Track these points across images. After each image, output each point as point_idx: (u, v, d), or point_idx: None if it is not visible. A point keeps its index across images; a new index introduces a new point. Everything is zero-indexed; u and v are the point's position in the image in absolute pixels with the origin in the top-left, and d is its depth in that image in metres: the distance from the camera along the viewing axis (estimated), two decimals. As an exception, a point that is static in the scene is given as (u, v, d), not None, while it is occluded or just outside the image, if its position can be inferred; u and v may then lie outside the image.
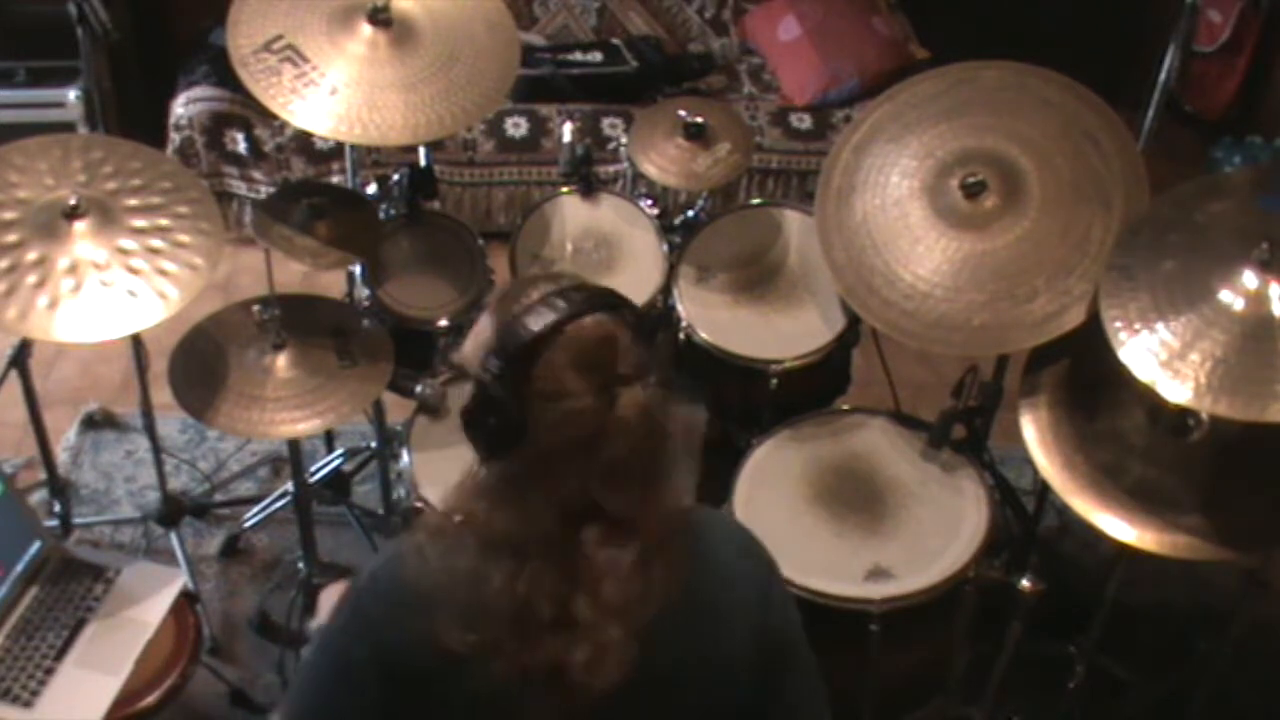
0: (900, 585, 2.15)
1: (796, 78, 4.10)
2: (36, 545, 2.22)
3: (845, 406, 2.53)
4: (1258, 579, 2.25)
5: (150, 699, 2.08)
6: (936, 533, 2.23)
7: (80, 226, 2.12)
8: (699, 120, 2.71)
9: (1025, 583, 2.02)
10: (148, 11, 4.13)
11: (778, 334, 2.57)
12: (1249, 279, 1.92)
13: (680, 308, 2.60)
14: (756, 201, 3.48)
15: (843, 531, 2.26)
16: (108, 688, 2.05)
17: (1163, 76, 2.66)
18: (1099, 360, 2.03)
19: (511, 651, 1.25)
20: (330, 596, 1.63)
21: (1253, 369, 1.86)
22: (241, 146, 3.85)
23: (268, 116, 3.56)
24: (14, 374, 2.52)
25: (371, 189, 2.72)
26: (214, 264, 2.16)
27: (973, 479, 2.31)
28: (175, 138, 3.84)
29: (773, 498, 2.31)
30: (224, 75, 3.73)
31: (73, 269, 2.08)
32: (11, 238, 2.09)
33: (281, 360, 2.28)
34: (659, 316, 2.71)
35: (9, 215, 2.11)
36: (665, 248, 2.70)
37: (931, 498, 2.30)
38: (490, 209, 3.99)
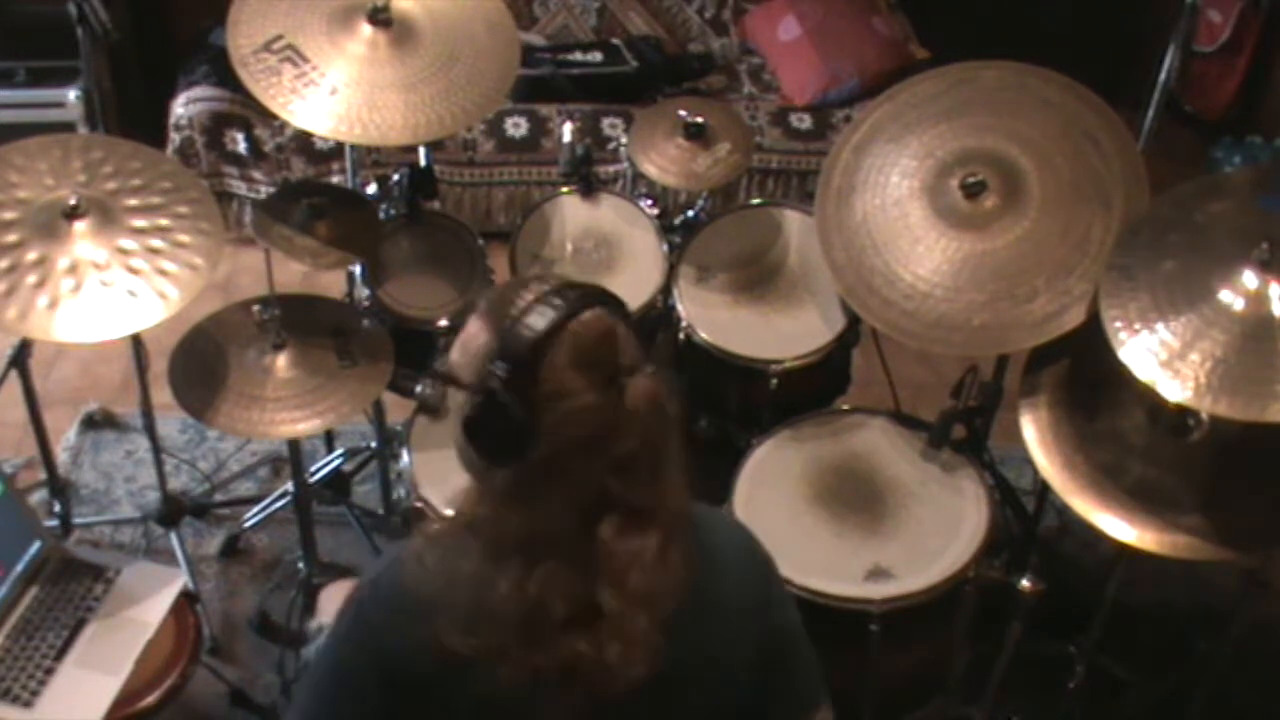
0: (900, 585, 2.15)
1: (796, 78, 4.10)
2: (36, 545, 2.22)
3: (845, 406, 2.53)
4: (1258, 579, 2.25)
5: (150, 699, 2.08)
6: (936, 533, 2.23)
7: (80, 226, 2.12)
8: (699, 120, 2.71)
9: (1025, 583, 2.02)
10: (148, 11, 4.13)
11: (778, 334, 2.57)
12: (1249, 279, 1.93)
13: (680, 308, 2.60)
14: (756, 201, 3.48)
15: (843, 531, 2.26)
16: (108, 688, 2.05)
17: (1163, 76, 2.66)
18: (1099, 360, 2.03)
19: (519, 654, 1.25)
20: (330, 596, 1.63)
21: (1253, 369, 1.86)
22: (241, 146, 3.85)
23: (268, 116, 3.56)
24: (14, 374, 2.52)
25: (371, 189, 2.72)
26: (214, 264, 2.16)
27: (973, 479, 2.31)
28: (175, 138, 3.84)
29: (773, 498, 2.31)
30: (224, 75, 3.72)
31: (73, 269, 2.08)
32: (11, 238, 2.09)
33: (281, 360, 2.28)
34: (659, 316, 2.71)
35: (9, 215, 2.11)
36: (665, 248, 2.70)
37: (931, 498, 2.30)
38: (490, 209, 3.99)
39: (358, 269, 2.59)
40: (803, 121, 4.02)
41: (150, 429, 2.74)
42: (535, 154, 3.94)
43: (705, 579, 1.34)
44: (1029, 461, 2.24)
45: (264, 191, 3.87)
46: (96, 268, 2.09)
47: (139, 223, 2.16)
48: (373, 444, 2.96)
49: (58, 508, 2.80)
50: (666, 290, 2.65)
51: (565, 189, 2.81)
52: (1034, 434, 2.21)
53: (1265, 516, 2.08)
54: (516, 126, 3.93)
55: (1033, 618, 2.06)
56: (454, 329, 2.51)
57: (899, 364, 2.76)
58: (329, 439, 3.09)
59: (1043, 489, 2.69)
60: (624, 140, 2.93)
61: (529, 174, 3.96)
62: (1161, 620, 2.79)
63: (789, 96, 4.10)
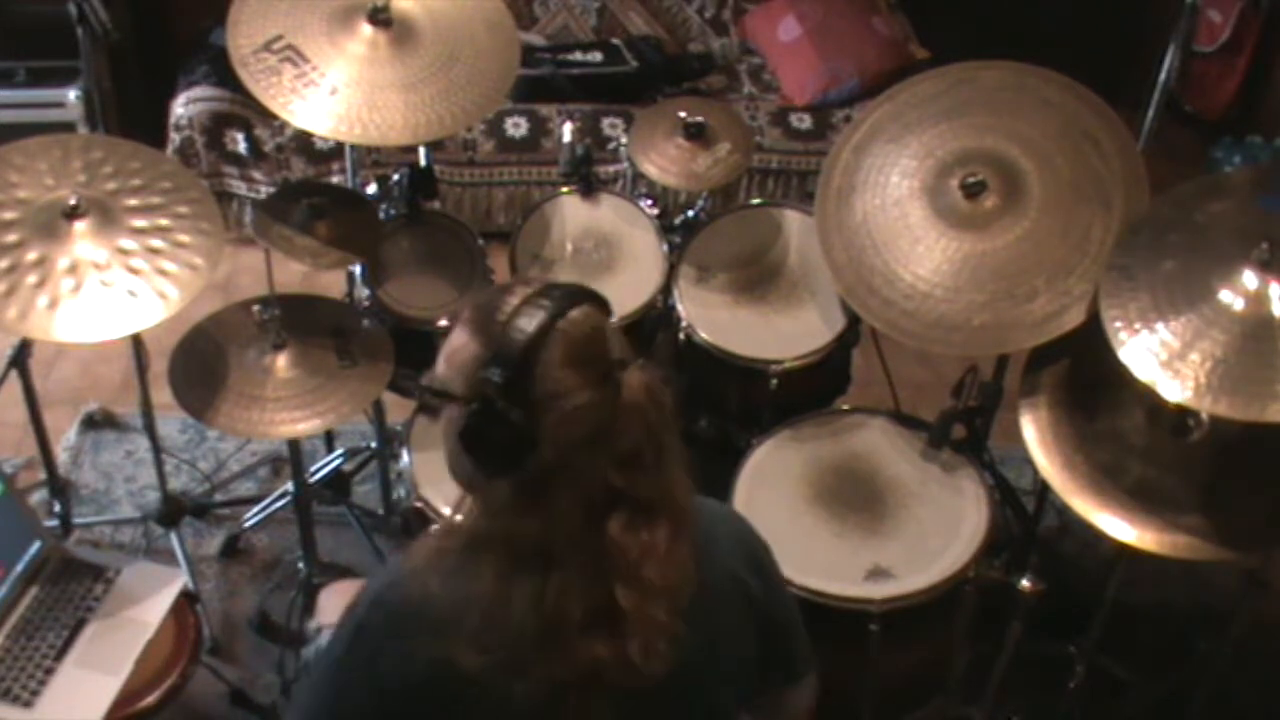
0: (900, 585, 2.15)
1: (796, 78, 4.10)
2: (36, 545, 2.21)
3: (845, 406, 2.53)
4: (1258, 579, 2.25)
5: (150, 699, 2.08)
6: (936, 533, 2.23)
7: (80, 226, 2.12)
8: (699, 120, 2.71)
9: (1025, 583, 2.02)
10: (148, 11, 4.13)
11: (778, 334, 2.57)
12: (1249, 279, 1.93)
13: (680, 308, 2.60)
14: (756, 201, 3.48)
15: (843, 531, 2.26)
16: (108, 688, 2.05)
17: (1163, 76, 2.66)
18: (1099, 360, 2.03)
19: (539, 666, 1.24)
20: (330, 597, 1.63)
21: (1253, 369, 1.86)
22: (241, 146, 3.85)
23: (268, 116, 3.56)
24: (14, 374, 2.52)
25: (371, 189, 2.72)
26: (214, 264, 2.16)
27: (973, 479, 2.31)
28: (175, 138, 3.84)
29: (773, 498, 2.31)
30: (224, 75, 3.72)
31: (73, 269, 2.08)
32: (11, 238, 2.09)
33: (281, 360, 2.28)
34: (659, 316, 2.71)
35: (9, 215, 2.11)
36: (665, 248, 2.70)
37: (931, 498, 2.30)
38: (490, 209, 3.99)
39: (358, 269, 2.59)
40: (803, 121, 4.02)
41: (150, 429, 2.74)
42: (535, 154, 3.94)
43: (704, 563, 1.33)
44: (1029, 461, 2.24)
45: (264, 191, 3.87)
46: (96, 268, 2.09)
47: (139, 223, 2.16)
48: (373, 444, 2.96)
49: (58, 508, 2.80)
50: (666, 290, 2.65)
51: (565, 189, 2.81)
52: (1034, 434, 2.21)
53: (1265, 516, 2.08)
54: (516, 126, 3.93)
55: (1033, 618, 2.06)
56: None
57: (899, 364, 2.76)
58: (329, 439, 3.09)
59: (1043, 489, 2.69)
60: (624, 140, 2.93)
61: (529, 174, 3.96)
62: (1161, 620, 2.79)
63: (789, 96, 4.10)
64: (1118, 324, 1.99)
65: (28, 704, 2.01)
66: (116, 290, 2.08)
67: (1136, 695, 2.59)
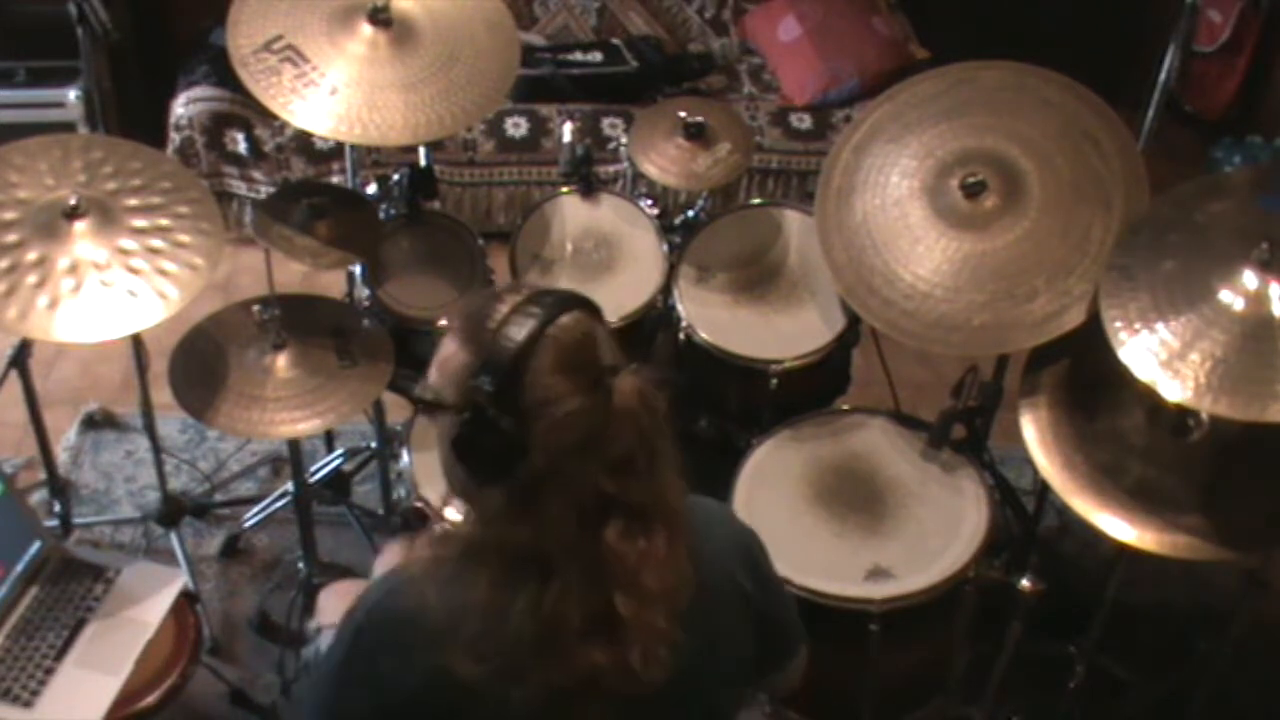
0: (900, 585, 2.15)
1: (796, 78, 4.10)
2: (36, 545, 2.21)
3: (845, 406, 2.53)
4: (1258, 579, 2.25)
5: (150, 699, 2.08)
6: (936, 533, 2.23)
7: (80, 226, 2.12)
8: (699, 120, 2.71)
9: (1025, 583, 2.02)
10: (148, 11, 4.13)
11: (778, 334, 2.57)
12: (1249, 279, 1.93)
13: (680, 308, 2.60)
14: (756, 201, 3.48)
15: (843, 531, 2.26)
16: (108, 688, 2.05)
17: (1163, 76, 2.66)
18: (1099, 360, 2.03)
19: (537, 674, 1.24)
20: (330, 597, 1.63)
21: (1253, 369, 1.86)
22: (241, 146, 3.85)
23: (268, 116, 3.55)
24: (14, 374, 2.52)
25: (371, 189, 2.72)
26: (214, 264, 2.16)
27: (973, 479, 2.31)
28: (175, 138, 3.84)
29: (773, 498, 2.31)
30: (224, 75, 3.72)
31: (73, 269, 2.08)
32: (11, 238, 2.09)
33: (281, 360, 2.28)
34: (659, 316, 2.71)
35: (9, 215, 2.11)
36: (665, 248, 2.70)
37: (931, 498, 2.30)
38: (490, 209, 3.99)
39: (358, 269, 2.59)
40: (803, 121, 4.02)
41: (150, 429, 2.74)
42: (535, 154, 3.94)
43: (699, 564, 1.33)
44: (1029, 461, 2.24)
45: (264, 191, 3.87)
46: (96, 268, 2.09)
47: (139, 223, 2.16)
48: (373, 444, 2.96)
49: (58, 508, 2.80)
50: (666, 290, 2.65)
51: (565, 189, 2.81)
52: (1034, 434, 2.21)
53: (1265, 516, 2.08)
54: (516, 126, 3.93)
55: (1033, 618, 2.06)
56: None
57: (899, 364, 2.76)
58: (329, 439, 3.09)
59: (1043, 489, 2.68)
60: (624, 140, 2.93)
61: (529, 174, 3.96)
62: (1161, 620, 2.79)
63: (789, 96, 4.10)
64: (1118, 324, 1.99)
65: (28, 704, 2.01)
66: (116, 290, 2.08)
67: (1136, 695, 2.59)
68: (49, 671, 2.06)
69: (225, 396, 2.22)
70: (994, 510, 2.26)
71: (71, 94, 3.72)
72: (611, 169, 3.56)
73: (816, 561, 2.17)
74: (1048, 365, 2.24)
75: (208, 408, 2.20)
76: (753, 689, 1.53)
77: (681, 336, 2.59)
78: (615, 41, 4.20)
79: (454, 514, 1.40)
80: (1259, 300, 1.91)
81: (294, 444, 2.46)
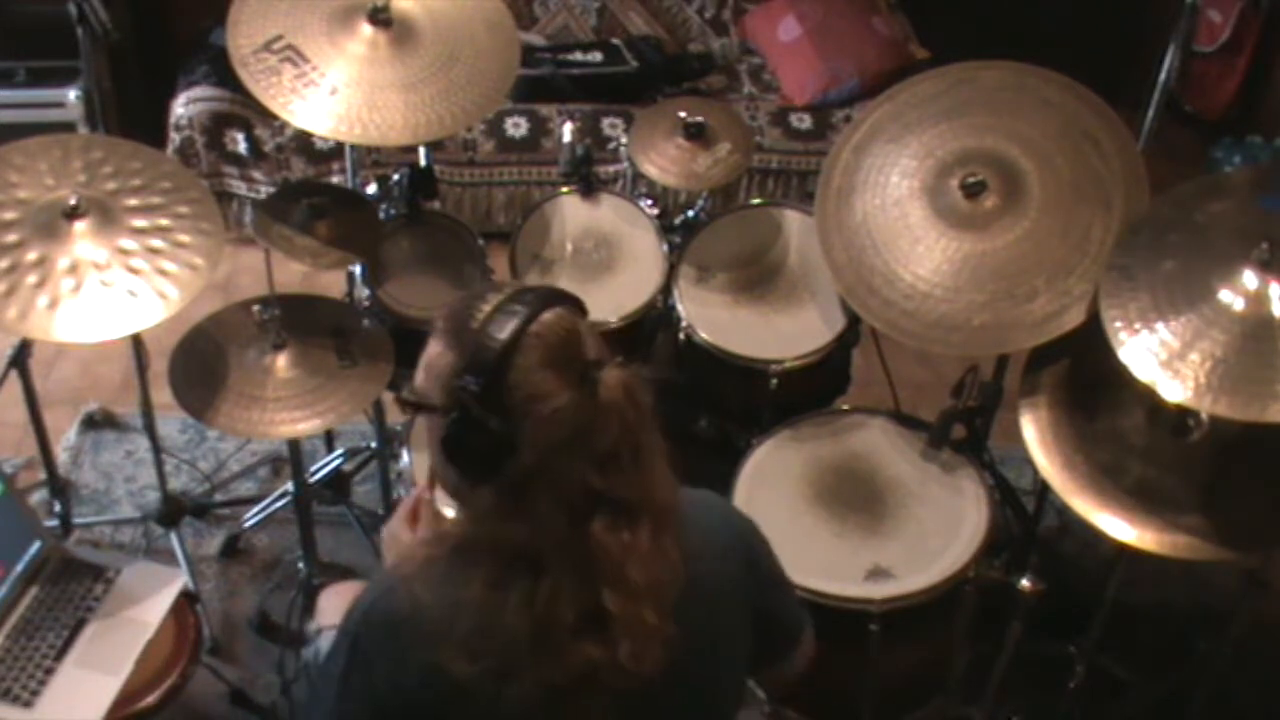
0: (900, 585, 2.15)
1: (796, 78, 4.10)
2: (36, 545, 2.21)
3: (845, 406, 2.53)
4: (1258, 579, 2.25)
5: (150, 699, 2.08)
6: (936, 533, 2.23)
7: (80, 226, 2.12)
8: (699, 120, 2.71)
9: (1025, 583, 2.02)
10: (148, 11, 4.13)
11: (778, 334, 2.57)
12: (1249, 279, 1.93)
13: (680, 308, 2.60)
14: (756, 201, 3.47)
15: (843, 531, 2.26)
16: (108, 688, 2.05)
17: (1163, 76, 2.66)
18: (1099, 360, 2.03)
19: (531, 671, 1.24)
20: (330, 598, 1.63)
21: (1253, 369, 1.86)
22: (241, 146, 3.85)
23: (268, 116, 3.55)
24: (14, 374, 2.52)
25: (371, 189, 2.72)
26: (214, 264, 2.16)
27: (973, 479, 2.31)
28: (175, 138, 3.84)
29: (773, 498, 2.31)
30: (224, 75, 3.72)
31: (73, 269, 2.08)
32: (11, 238, 2.09)
33: (281, 360, 2.28)
34: (659, 316, 2.71)
35: (9, 215, 2.11)
36: (665, 248, 2.70)
37: (931, 498, 2.30)
38: (490, 209, 3.99)
39: (358, 269, 2.59)
40: (803, 121, 4.02)
41: (150, 429, 2.74)
42: (535, 154, 3.94)
43: (694, 557, 1.33)
44: (1029, 461, 2.24)
45: (264, 191, 3.87)
46: (96, 268, 2.09)
47: (139, 223, 2.16)
48: (373, 444, 2.96)
49: (58, 508, 2.80)
50: (666, 290, 2.65)
51: (565, 189, 2.81)
52: (1034, 434, 2.21)
53: (1265, 516, 2.08)
54: (516, 126, 3.93)
55: (1033, 618, 2.06)
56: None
57: (899, 364, 2.76)
58: (329, 439, 3.09)
59: (1043, 489, 2.69)
60: (624, 140, 2.93)
61: (529, 174, 3.96)
62: (1161, 620, 2.79)
63: (789, 96, 4.10)
64: (1118, 324, 1.99)
65: (28, 704, 2.01)
66: (116, 290, 2.08)
67: (1136, 695, 2.59)
68: (49, 671, 2.06)
69: (225, 396, 2.22)
70: (994, 510, 2.26)
71: (71, 94, 3.72)
72: (611, 169, 3.56)
73: (816, 561, 2.17)
74: (1048, 365, 2.24)
75: (208, 408, 2.21)
76: (755, 679, 1.53)
77: (681, 336, 2.59)
78: (615, 41, 4.20)
79: (449, 511, 1.40)
80: (1259, 300, 1.91)
81: (294, 444, 2.46)
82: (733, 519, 1.52)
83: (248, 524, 2.93)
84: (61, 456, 3.11)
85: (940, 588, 2.14)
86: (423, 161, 2.66)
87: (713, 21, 4.43)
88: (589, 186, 2.79)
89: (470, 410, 1.23)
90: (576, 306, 1.30)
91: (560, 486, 1.24)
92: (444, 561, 1.30)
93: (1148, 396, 1.98)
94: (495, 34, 2.45)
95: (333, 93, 2.27)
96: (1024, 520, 2.84)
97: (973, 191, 2.25)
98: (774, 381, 2.49)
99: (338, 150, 3.73)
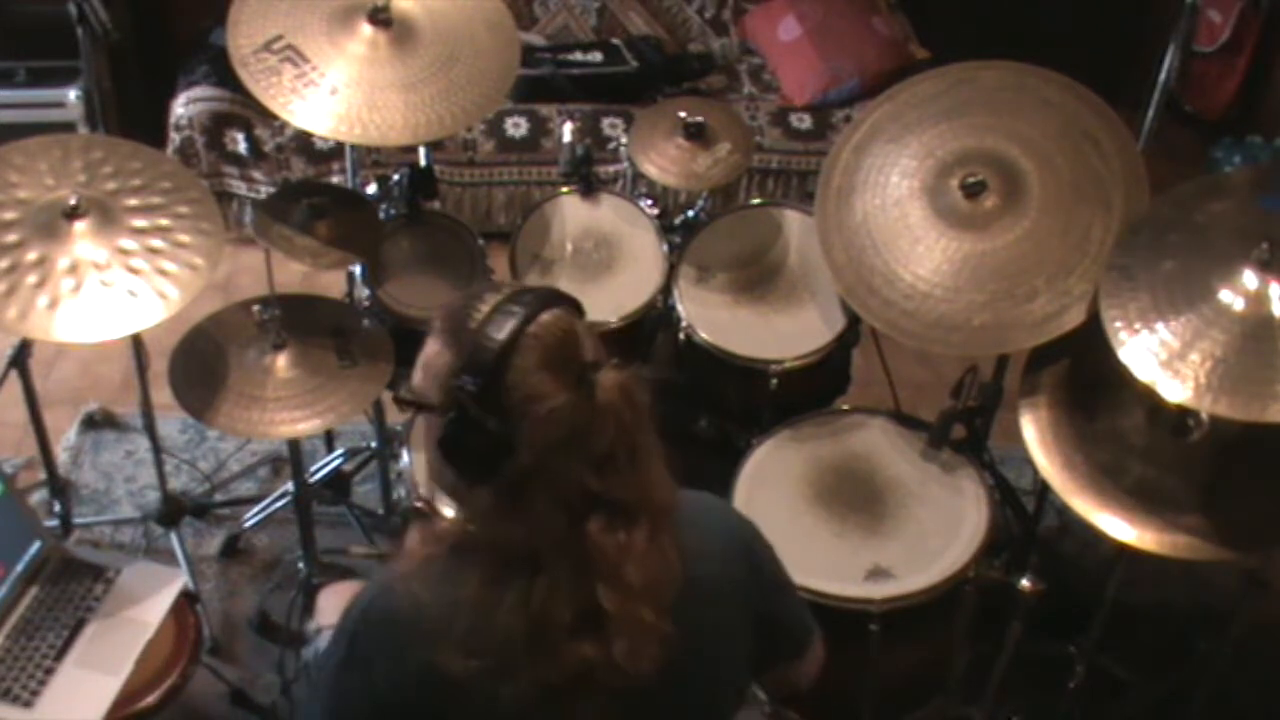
0: (900, 585, 2.15)
1: (796, 78, 4.10)
2: (36, 545, 2.21)
3: (845, 406, 2.53)
4: (1258, 579, 2.25)
5: (150, 699, 2.08)
6: (936, 533, 2.23)
7: (80, 226, 2.12)
8: (699, 120, 2.71)
9: (1025, 583, 2.02)
10: (148, 11, 4.14)
11: (778, 334, 2.57)
12: (1249, 279, 1.93)
13: (680, 308, 2.60)
14: (756, 201, 3.47)
15: (843, 531, 2.26)
16: (108, 688, 2.05)
17: (1163, 76, 2.66)
18: (1099, 360, 2.03)
19: (527, 670, 1.24)
20: (329, 597, 1.63)
21: (1253, 369, 1.86)
22: (241, 146, 3.85)
23: (268, 116, 3.55)
24: (14, 374, 2.52)
25: (371, 189, 2.72)
26: (214, 264, 2.16)
27: (973, 479, 2.31)
28: (175, 138, 3.84)
29: (773, 498, 2.31)
30: (224, 75, 3.72)
31: (73, 269, 2.08)
32: (11, 238, 2.09)
33: (281, 360, 2.28)
34: (659, 316, 2.71)
35: (9, 215, 2.11)
36: (665, 248, 2.70)
37: (931, 498, 2.30)
38: (490, 209, 3.99)
39: (358, 269, 2.59)
40: (803, 121, 4.02)
41: (150, 429, 2.74)
42: (535, 154, 3.94)
43: (693, 558, 1.33)
44: (1029, 461, 2.24)
45: (264, 191, 3.87)
46: (96, 268, 2.09)
47: (139, 223, 2.16)
48: (373, 444, 2.96)
49: (58, 508, 2.80)
50: (666, 290, 2.65)
51: (565, 189, 2.81)
52: (1034, 434, 2.21)
53: (1265, 516, 2.08)
54: (516, 126, 3.93)
55: (1033, 618, 2.06)
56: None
57: (899, 364, 2.76)
58: (329, 439, 3.09)
59: (1043, 489, 2.68)
60: (624, 140, 2.93)
61: (529, 174, 3.96)
62: (1161, 620, 2.79)
63: (789, 96, 4.10)
64: (1118, 324, 1.99)
65: (28, 704, 2.01)
66: (116, 290, 2.08)
67: (1136, 695, 2.59)
68: (49, 671, 2.06)
69: (225, 396, 2.22)
70: (994, 510, 2.26)
71: (71, 94, 3.72)
72: (611, 169, 3.56)
73: (816, 561, 2.17)
74: (1048, 365, 2.24)
75: (208, 408, 2.21)
76: (759, 684, 1.53)
77: (681, 336, 2.59)
78: (615, 41, 4.20)
79: (449, 511, 1.40)
80: (1259, 300, 1.91)
81: (294, 444, 2.46)
82: (733, 521, 1.52)
83: (248, 524, 2.93)
84: (61, 456, 3.11)
85: (940, 588, 2.14)
86: (423, 161, 2.66)
87: (713, 21, 4.43)
88: (589, 186, 2.79)
89: (468, 410, 1.23)
90: (574, 308, 1.30)
91: (557, 487, 1.24)
92: (442, 561, 1.30)
93: (1148, 396, 1.98)
94: (495, 34, 2.45)
95: (333, 93, 2.27)
96: (1024, 520, 2.84)
97: (973, 191, 2.25)
98: (774, 381, 2.49)
99: (338, 150, 3.74)
